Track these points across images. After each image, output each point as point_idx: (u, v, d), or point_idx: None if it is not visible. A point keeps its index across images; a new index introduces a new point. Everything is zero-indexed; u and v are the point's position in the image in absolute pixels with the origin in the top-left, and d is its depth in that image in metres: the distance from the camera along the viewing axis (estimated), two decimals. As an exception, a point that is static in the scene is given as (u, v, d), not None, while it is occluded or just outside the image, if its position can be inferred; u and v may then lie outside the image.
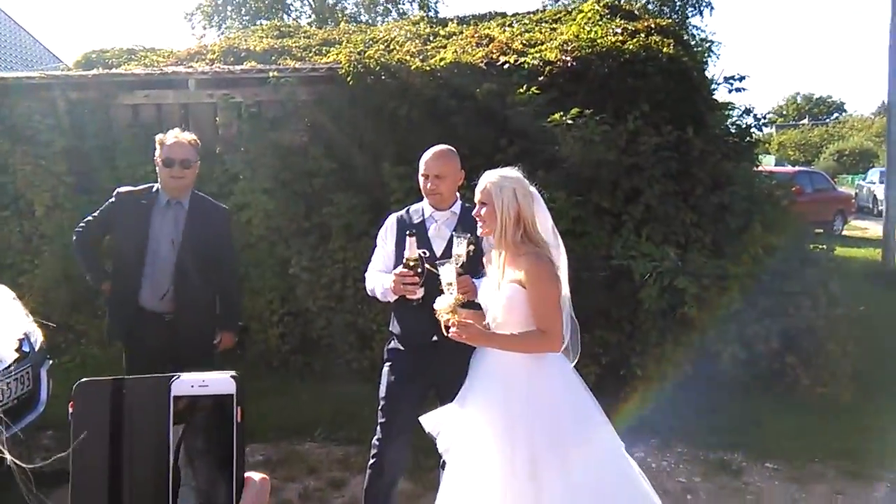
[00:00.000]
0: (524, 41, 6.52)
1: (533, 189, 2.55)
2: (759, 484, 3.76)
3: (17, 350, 3.30)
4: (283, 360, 5.33)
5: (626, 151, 5.08)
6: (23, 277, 5.39)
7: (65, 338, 5.27)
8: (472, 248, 2.62)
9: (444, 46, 7.34)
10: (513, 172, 2.56)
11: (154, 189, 3.42)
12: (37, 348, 3.54)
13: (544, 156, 5.18)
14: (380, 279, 2.87)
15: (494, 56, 6.13)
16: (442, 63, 5.82)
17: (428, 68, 5.73)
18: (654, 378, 4.64)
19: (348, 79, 5.65)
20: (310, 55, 7.92)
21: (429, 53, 7.06)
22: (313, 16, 21.43)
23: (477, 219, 2.54)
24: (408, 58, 6.11)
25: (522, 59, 5.75)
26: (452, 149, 3.05)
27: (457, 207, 2.98)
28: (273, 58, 7.79)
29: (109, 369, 5.33)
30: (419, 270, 2.64)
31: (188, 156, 3.36)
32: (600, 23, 6.26)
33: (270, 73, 5.95)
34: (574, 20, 6.75)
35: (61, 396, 4.30)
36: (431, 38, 8.11)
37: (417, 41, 8.03)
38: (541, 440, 2.35)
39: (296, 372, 5.25)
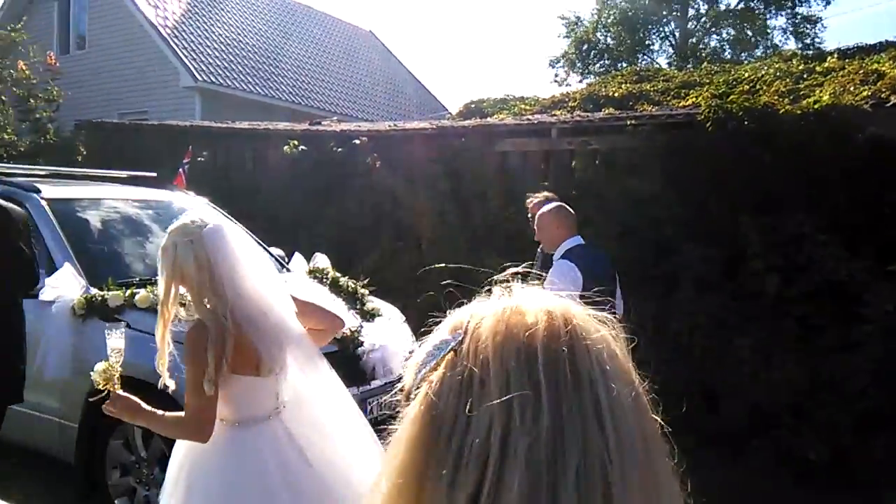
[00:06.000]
0: (925, 75, 5.63)
1: (224, 233, 2.03)
2: None
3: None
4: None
5: None
6: (408, 301, 6.39)
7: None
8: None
9: (821, 85, 6.69)
10: (185, 222, 2.04)
11: None
12: (418, 364, 4.21)
13: (945, 213, 4.41)
14: None
15: (884, 95, 5.40)
16: (816, 105, 5.33)
17: (799, 111, 5.31)
18: None
19: (707, 124, 5.53)
20: (668, 99, 7.93)
21: (801, 93, 6.51)
22: (674, 56, 21.22)
23: None
24: (775, 99, 5.74)
25: (921, 99, 4.97)
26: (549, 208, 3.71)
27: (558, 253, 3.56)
28: (630, 103, 7.98)
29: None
30: None
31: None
32: None
33: (628, 121, 6.13)
34: None
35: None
36: (805, 76, 7.46)
37: (788, 80, 7.46)
38: None
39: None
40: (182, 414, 2.03)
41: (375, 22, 76.35)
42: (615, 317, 0.69)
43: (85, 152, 9.47)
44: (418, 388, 0.63)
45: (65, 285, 3.68)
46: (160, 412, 2.08)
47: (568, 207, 3.76)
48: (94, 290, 3.72)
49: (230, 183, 7.49)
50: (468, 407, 0.58)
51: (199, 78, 13.53)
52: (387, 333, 4.02)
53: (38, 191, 4.36)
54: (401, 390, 0.69)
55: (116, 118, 12.11)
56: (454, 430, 0.58)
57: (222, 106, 13.30)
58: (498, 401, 0.57)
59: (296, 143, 7.41)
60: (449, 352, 0.62)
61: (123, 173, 5.70)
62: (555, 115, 7.74)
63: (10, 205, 3.21)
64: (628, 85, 9.04)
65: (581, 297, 0.71)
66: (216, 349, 1.95)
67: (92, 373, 2.10)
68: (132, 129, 10.23)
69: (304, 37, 18.27)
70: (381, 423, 3.81)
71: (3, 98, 11.21)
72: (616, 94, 8.54)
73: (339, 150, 7.27)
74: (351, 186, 7.03)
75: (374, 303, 4.37)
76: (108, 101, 14.00)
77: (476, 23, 68.37)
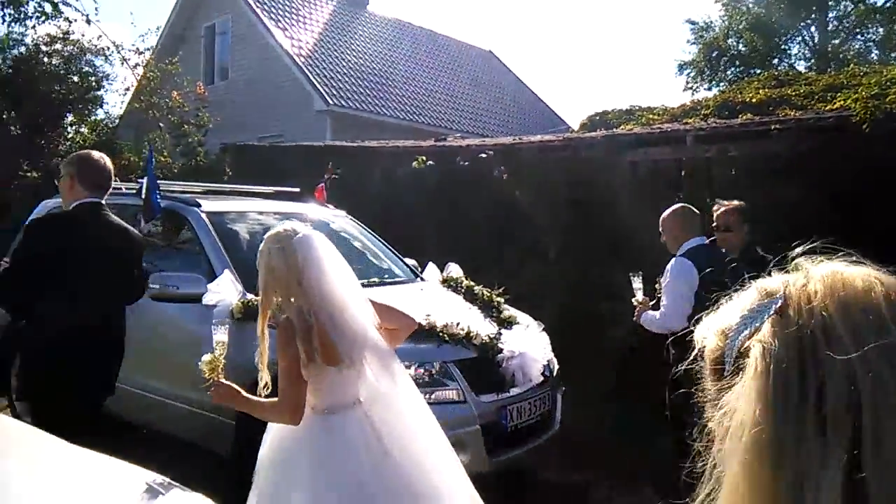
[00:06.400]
0: None
1: (313, 241, 2.26)
2: None
3: (542, 374, 3.94)
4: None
5: None
6: (534, 311, 6.35)
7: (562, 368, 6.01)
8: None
9: None
10: (279, 230, 2.30)
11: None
12: (554, 374, 4.16)
13: None
14: None
15: None
16: None
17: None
18: None
19: (863, 126, 5.15)
20: (812, 103, 7.45)
21: (972, 89, 5.92)
22: (813, 60, 19.91)
23: None
24: (941, 97, 5.25)
25: None
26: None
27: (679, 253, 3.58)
28: (770, 108, 7.57)
29: (600, 396, 5.85)
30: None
31: (726, 221, 3.92)
32: None
33: (772, 126, 5.82)
34: None
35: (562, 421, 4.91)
36: (975, 70, 6.79)
37: (954, 75, 6.81)
38: None
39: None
40: (276, 400, 2.25)
41: (496, 41, 77.25)
42: None
43: (230, 172, 10.18)
44: (741, 350, 0.66)
45: (225, 290, 3.95)
46: (257, 398, 2.33)
47: (692, 208, 3.73)
48: (249, 296, 3.96)
49: (363, 197, 7.77)
50: (816, 362, 0.61)
51: (331, 102, 14.21)
52: (525, 341, 4.00)
53: (198, 205, 4.73)
54: (700, 355, 0.71)
55: (255, 141, 12.92)
56: (805, 384, 0.61)
57: (349, 126, 13.89)
58: (857, 354, 0.59)
59: (424, 158, 7.59)
60: (773, 314, 0.65)
61: (270, 189, 6.07)
62: (687, 123, 7.46)
63: (133, 229, 3.47)
64: (767, 90, 8.57)
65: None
66: (303, 341, 2.18)
67: (199, 363, 2.33)
68: (272, 150, 10.88)
69: (426, 59, 18.79)
70: (520, 430, 3.79)
71: (161, 125, 12.29)
72: (754, 100, 8.13)
73: (466, 163, 7.37)
74: (478, 198, 7.10)
75: (510, 311, 4.37)
76: (247, 125, 14.99)
77: (593, 36, 67.59)
